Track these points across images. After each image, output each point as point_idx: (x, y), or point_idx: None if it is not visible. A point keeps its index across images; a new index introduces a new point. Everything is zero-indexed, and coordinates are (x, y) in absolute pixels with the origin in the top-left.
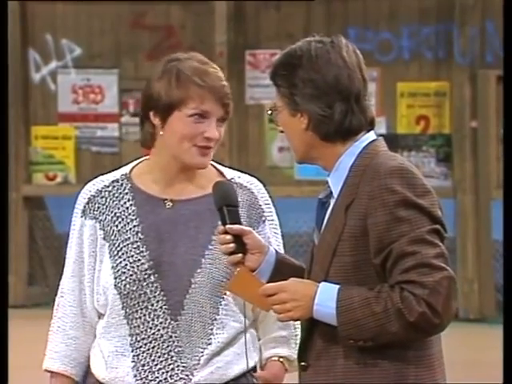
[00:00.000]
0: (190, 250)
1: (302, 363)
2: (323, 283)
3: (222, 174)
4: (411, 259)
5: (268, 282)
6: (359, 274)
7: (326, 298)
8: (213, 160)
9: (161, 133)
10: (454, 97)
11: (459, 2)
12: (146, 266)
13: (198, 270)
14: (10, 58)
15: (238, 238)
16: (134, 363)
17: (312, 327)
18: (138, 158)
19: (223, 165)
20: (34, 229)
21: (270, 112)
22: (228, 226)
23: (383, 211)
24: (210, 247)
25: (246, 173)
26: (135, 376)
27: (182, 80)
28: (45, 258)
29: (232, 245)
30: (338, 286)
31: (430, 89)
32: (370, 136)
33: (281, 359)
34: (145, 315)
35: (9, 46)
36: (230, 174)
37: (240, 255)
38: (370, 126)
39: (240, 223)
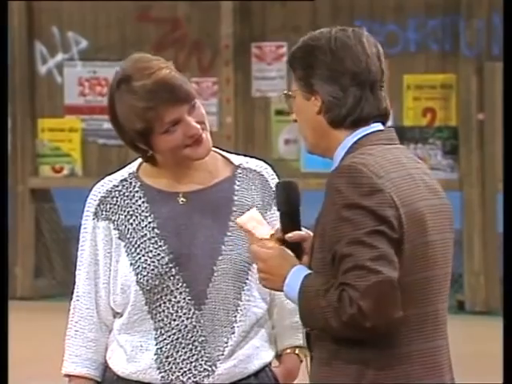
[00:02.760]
0: (209, 238)
1: (312, 353)
2: (297, 266)
3: (228, 160)
4: (348, 261)
5: None
6: (327, 270)
7: (294, 282)
8: (220, 148)
9: (150, 154)
10: (461, 89)
11: None
12: (166, 260)
13: (220, 258)
14: (16, 51)
15: (297, 244)
16: (157, 356)
17: None
18: None
19: (229, 151)
20: (40, 221)
21: (285, 96)
22: (287, 236)
23: (330, 211)
24: (229, 233)
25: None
26: (158, 368)
27: (135, 112)
28: (51, 251)
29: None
30: (306, 272)
31: (436, 81)
32: (369, 128)
33: (296, 350)
34: (168, 308)
35: (15, 38)
36: (237, 159)
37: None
38: (384, 117)
39: (299, 226)
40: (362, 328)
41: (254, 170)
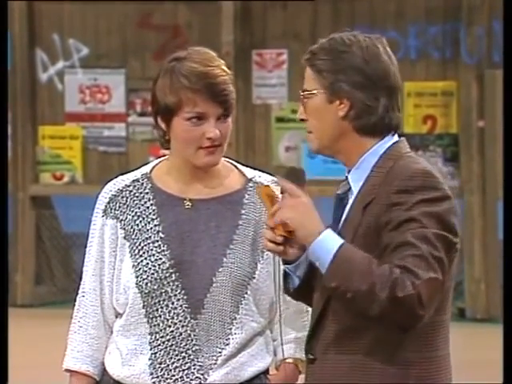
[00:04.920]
0: (212, 249)
1: (310, 355)
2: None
3: (241, 172)
4: (412, 250)
5: (303, 280)
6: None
7: (330, 238)
8: (231, 159)
9: (167, 137)
10: (461, 96)
11: (466, 1)
12: (167, 265)
13: (220, 269)
14: (17, 58)
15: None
16: (151, 361)
17: (321, 319)
18: (145, 158)
19: (231, 158)
20: (41, 228)
21: (302, 95)
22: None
23: (398, 210)
24: (232, 246)
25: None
26: (151, 374)
27: (173, 84)
28: (52, 258)
29: (281, 247)
30: (338, 238)
31: (436, 88)
32: (393, 137)
33: (296, 361)
34: (165, 313)
35: (16, 46)
36: (250, 173)
37: (281, 248)
38: (400, 128)
39: None
40: (412, 312)
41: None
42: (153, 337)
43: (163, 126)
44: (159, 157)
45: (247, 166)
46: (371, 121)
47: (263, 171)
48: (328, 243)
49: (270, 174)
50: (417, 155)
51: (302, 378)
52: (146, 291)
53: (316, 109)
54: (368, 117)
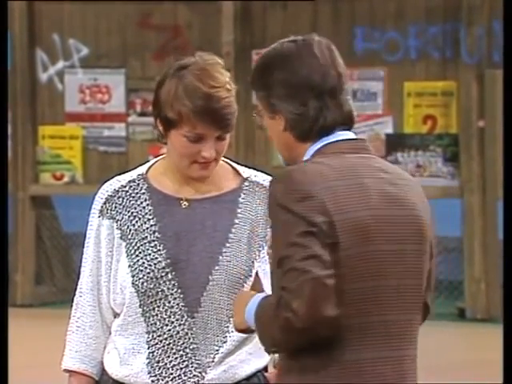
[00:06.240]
0: (208, 247)
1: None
2: (258, 294)
3: (237, 172)
4: (285, 264)
5: None
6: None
7: (251, 307)
8: (228, 158)
9: (164, 140)
10: (461, 96)
11: (466, 1)
12: (163, 264)
13: (216, 268)
14: (17, 58)
15: None
16: (148, 360)
17: None
18: (145, 158)
19: (230, 158)
20: (41, 228)
21: (254, 115)
22: None
23: (269, 216)
24: (228, 245)
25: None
26: (149, 372)
27: (177, 99)
28: (52, 258)
29: None
30: (265, 294)
31: (437, 88)
32: (332, 138)
33: None
34: (161, 312)
35: (16, 46)
36: (246, 172)
37: None
38: (349, 121)
39: None
40: (294, 330)
41: (261, 184)
42: (150, 336)
43: (161, 129)
44: (158, 156)
45: (243, 166)
46: (305, 127)
47: (262, 171)
48: (250, 317)
49: (269, 174)
50: (336, 156)
51: None
52: (143, 290)
53: (267, 126)
54: (301, 124)
